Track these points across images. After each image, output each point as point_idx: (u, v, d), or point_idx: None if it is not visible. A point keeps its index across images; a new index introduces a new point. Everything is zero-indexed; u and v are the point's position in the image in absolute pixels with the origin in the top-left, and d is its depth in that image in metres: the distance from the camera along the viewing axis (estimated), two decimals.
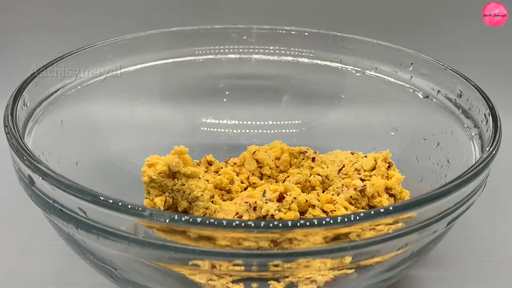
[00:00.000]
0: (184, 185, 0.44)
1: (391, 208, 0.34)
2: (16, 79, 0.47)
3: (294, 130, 0.59)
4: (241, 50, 0.60)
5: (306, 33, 0.59)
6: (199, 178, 0.45)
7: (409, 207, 0.34)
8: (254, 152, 0.52)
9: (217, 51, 0.59)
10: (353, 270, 0.38)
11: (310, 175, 0.49)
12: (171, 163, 0.44)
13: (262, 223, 0.32)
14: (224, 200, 0.48)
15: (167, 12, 0.74)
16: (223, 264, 0.35)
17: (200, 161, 0.51)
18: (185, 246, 0.33)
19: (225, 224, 0.32)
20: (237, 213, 0.46)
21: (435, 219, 0.36)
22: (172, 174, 0.45)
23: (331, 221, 0.33)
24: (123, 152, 0.54)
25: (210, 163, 0.51)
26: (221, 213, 0.46)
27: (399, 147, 0.53)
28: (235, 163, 0.52)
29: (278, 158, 0.52)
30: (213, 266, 0.35)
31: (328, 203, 0.46)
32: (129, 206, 0.33)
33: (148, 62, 0.57)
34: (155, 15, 0.74)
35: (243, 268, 0.35)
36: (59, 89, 0.50)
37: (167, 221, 0.32)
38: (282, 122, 0.60)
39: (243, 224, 0.32)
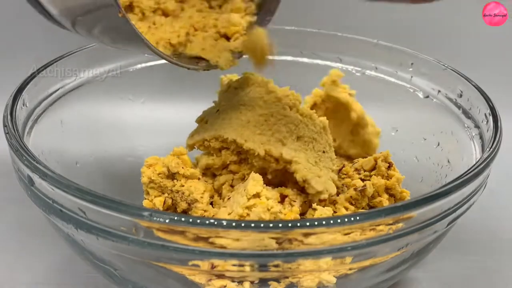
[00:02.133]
0: (183, 186, 0.44)
1: (391, 208, 0.34)
2: (16, 79, 0.47)
3: None
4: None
5: (306, 33, 0.59)
6: (198, 179, 0.45)
7: (409, 207, 0.34)
8: None
9: None
10: (353, 270, 0.38)
11: None
12: (170, 164, 0.44)
13: (262, 223, 0.32)
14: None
15: None
16: (223, 264, 0.35)
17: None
18: (185, 246, 0.33)
19: (225, 224, 0.32)
20: None
21: (436, 219, 0.36)
22: (172, 175, 0.45)
23: (331, 221, 0.33)
24: (123, 152, 0.54)
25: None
26: (220, 215, 0.45)
27: (399, 147, 0.53)
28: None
29: None
30: (213, 267, 0.35)
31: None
32: (129, 206, 0.33)
33: (148, 62, 0.57)
34: None
35: (243, 268, 0.35)
36: (58, 89, 0.50)
37: (167, 221, 0.32)
38: None
39: (243, 224, 0.32)
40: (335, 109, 0.53)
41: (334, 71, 0.53)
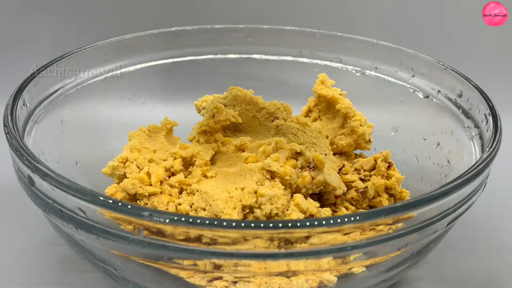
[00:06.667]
0: (147, 204, 0.44)
1: (391, 208, 0.34)
2: (16, 79, 0.47)
3: None
4: (241, 50, 0.60)
5: (306, 33, 0.59)
6: (161, 193, 0.44)
7: (409, 207, 0.34)
8: None
9: (217, 51, 0.59)
10: (353, 270, 0.38)
11: None
12: (126, 187, 0.44)
13: (262, 223, 0.32)
14: None
15: (167, 12, 0.74)
16: (223, 264, 0.35)
17: None
18: (185, 246, 0.33)
19: (225, 224, 0.32)
20: None
21: (435, 219, 0.36)
22: (134, 196, 0.44)
23: (331, 221, 0.33)
24: None
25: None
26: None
27: (399, 147, 0.53)
28: None
29: None
30: (214, 267, 0.35)
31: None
32: (129, 206, 0.33)
33: (148, 62, 0.57)
34: (155, 15, 0.74)
35: (243, 268, 0.35)
36: (59, 89, 0.50)
37: (167, 221, 0.32)
38: None
39: (243, 224, 0.32)
40: (327, 109, 0.54)
41: (321, 74, 0.54)
